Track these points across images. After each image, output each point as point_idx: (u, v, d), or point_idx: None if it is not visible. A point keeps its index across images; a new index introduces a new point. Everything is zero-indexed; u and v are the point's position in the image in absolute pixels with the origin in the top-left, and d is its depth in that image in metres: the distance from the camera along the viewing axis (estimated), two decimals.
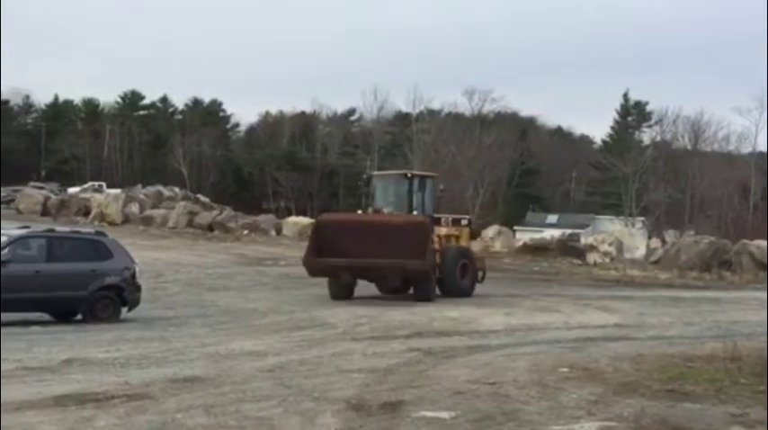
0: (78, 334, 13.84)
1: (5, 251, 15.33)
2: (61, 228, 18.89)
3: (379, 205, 23.00)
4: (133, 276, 16.59)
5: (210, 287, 23.86)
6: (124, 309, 16.53)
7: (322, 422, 7.52)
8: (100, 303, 16.11)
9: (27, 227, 18.28)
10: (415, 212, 22.34)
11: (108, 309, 16.14)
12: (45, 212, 50.57)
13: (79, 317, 16.14)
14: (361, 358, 11.44)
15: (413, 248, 19.86)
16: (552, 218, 68.44)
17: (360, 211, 24.33)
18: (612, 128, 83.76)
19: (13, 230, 16.91)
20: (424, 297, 20.55)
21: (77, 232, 17.84)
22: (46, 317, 16.30)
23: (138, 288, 16.71)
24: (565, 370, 10.46)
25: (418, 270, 20.25)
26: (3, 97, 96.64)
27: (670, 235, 51.73)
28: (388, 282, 21.40)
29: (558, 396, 8.79)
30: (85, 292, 15.95)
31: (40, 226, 21.55)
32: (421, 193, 22.85)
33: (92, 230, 19.34)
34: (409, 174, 23.74)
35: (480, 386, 9.29)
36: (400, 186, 23.18)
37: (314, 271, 21.10)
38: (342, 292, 20.84)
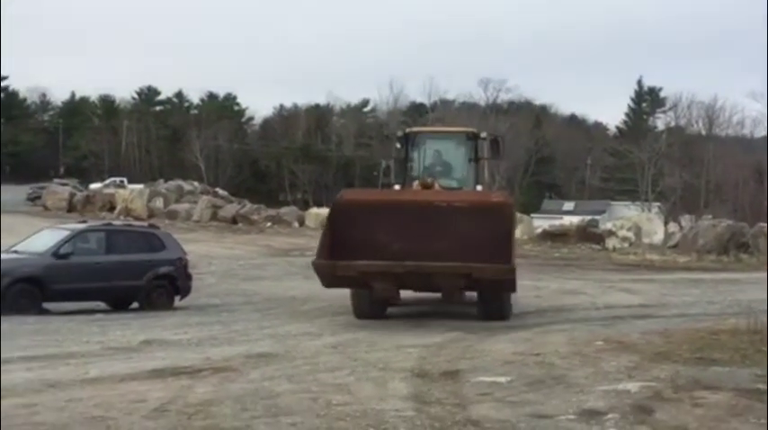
0: (142, 320, 14.81)
1: (68, 245, 16.41)
2: (117, 222, 19.98)
3: (420, 174, 16.02)
4: (185, 266, 17.65)
5: (245, 277, 24.84)
6: (176, 298, 17.59)
7: (393, 386, 8.44)
8: (155, 292, 17.19)
9: (85, 221, 19.36)
10: (478, 187, 16.28)
11: (162, 298, 17.23)
12: (71, 208, 51.65)
13: (135, 305, 17.20)
14: (410, 336, 12.36)
15: (489, 244, 12.93)
16: (569, 205, 69.11)
17: (397, 186, 16.15)
18: (627, 114, 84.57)
19: (73, 224, 18.00)
20: (498, 313, 14.45)
21: (131, 225, 18.91)
22: (102, 305, 17.34)
23: (189, 277, 17.76)
24: (600, 343, 11.32)
25: (498, 279, 13.18)
26: (20, 96, 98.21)
27: (686, 219, 52.31)
28: (447, 294, 14.44)
29: (599, 363, 9.68)
30: (142, 281, 17.02)
31: (97, 221, 22.62)
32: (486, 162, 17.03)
33: (145, 224, 20.42)
34: (482, 135, 17.01)
35: (526, 357, 10.18)
36: (459, 150, 16.59)
37: (332, 279, 13.59)
38: (373, 309, 14.49)
